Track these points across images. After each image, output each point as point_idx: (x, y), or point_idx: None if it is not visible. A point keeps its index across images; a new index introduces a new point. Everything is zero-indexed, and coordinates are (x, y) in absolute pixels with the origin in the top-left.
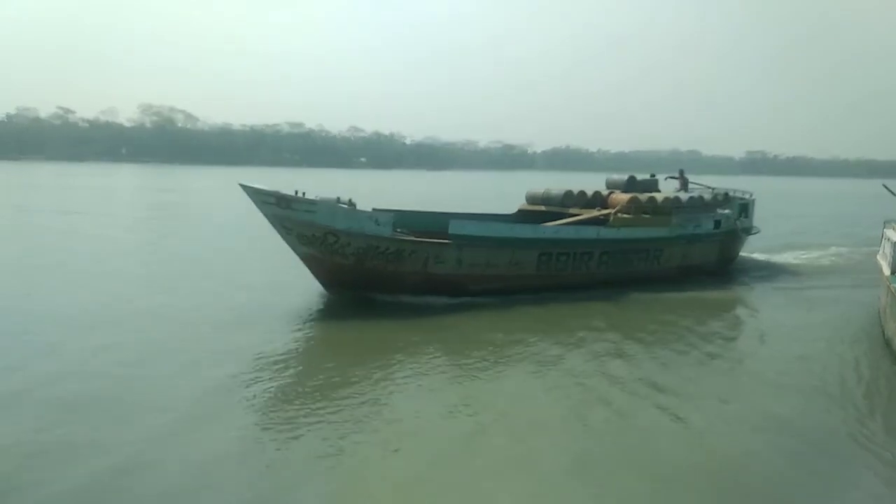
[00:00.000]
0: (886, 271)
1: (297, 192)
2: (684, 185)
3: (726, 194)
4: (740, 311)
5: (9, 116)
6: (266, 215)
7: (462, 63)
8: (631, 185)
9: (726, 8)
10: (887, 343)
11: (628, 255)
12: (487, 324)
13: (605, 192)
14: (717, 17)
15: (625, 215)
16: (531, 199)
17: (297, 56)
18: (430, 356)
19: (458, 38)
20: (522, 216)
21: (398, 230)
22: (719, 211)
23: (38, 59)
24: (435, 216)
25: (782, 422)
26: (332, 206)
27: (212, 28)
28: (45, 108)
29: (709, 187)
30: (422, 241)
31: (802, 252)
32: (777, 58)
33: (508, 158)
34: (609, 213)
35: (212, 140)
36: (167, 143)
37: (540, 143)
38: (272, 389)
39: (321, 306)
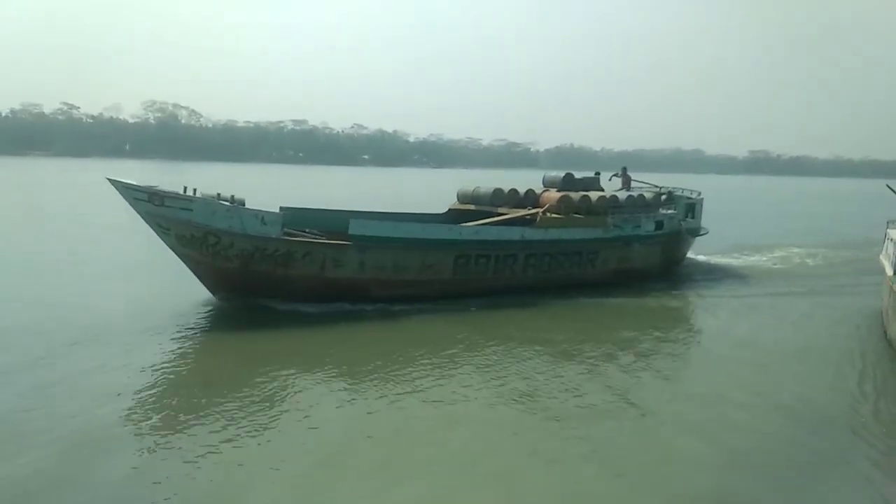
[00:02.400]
0: (889, 271)
1: (185, 189)
2: (626, 183)
3: (670, 193)
4: (691, 316)
5: (13, 112)
6: (140, 213)
7: (466, 62)
8: (568, 182)
9: (731, 8)
10: (890, 343)
11: (558, 258)
12: (387, 334)
13: (539, 190)
14: (722, 18)
15: (554, 215)
16: (462, 198)
17: (302, 54)
18: (327, 369)
19: (462, 38)
20: (453, 215)
21: (307, 230)
22: (662, 211)
23: (43, 56)
24: (343, 215)
25: (783, 424)
26: (211, 203)
27: (215, 26)
28: (50, 104)
29: (656, 186)
30: (316, 243)
31: (766, 254)
32: (782, 58)
33: (512, 156)
34: (536, 213)
35: (215, 137)
36: (171, 139)
37: (544, 142)
38: (139, 415)
39: (206, 315)
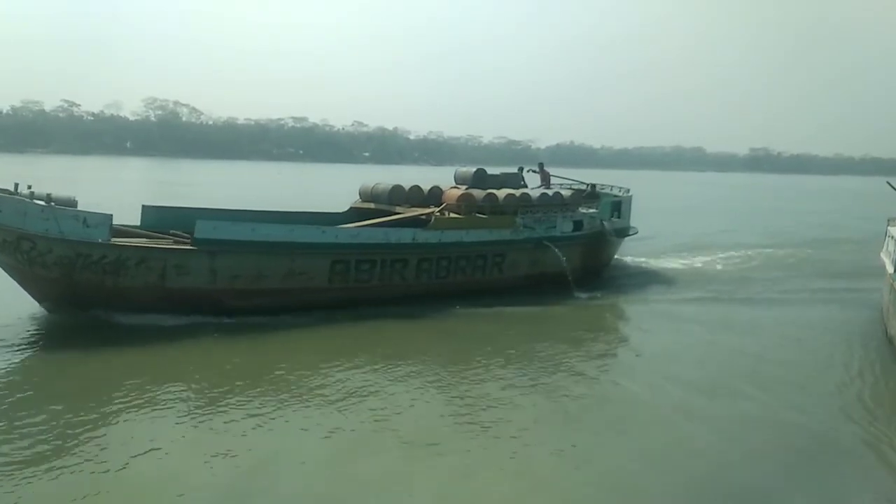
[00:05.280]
0: (890, 269)
1: (16, 186)
2: (545, 179)
3: (593, 191)
4: (623, 325)
5: (14, 109)
6: None
7: (467, 60)
8: (479, 179)
9: (731, 6)
10: (890, 341)
11: (458, 263)
12: (241, 350)
13: (448, 187)
14: (722, 16)
15: (453, 215)
16: (363, 195)
17: (302, 52)
18: (174, 391)
19: (463, 35)
20: (353, 214)
21: (171, 232)
22: (582, 210)
23: (42, 52)
24: (215, 214)
25: (784, 423)
26: (21, 203)
27: (216, 24)
28: (51, 102)
29: (582, 182)
30: (153, 248)
31: (733, 253)
32: (782, 55)
33: (512, 154)
34: (432, 213)
35: (216, 134)
36: (171, 137)
37: (544, 139)
38: None
39: (34, 329)
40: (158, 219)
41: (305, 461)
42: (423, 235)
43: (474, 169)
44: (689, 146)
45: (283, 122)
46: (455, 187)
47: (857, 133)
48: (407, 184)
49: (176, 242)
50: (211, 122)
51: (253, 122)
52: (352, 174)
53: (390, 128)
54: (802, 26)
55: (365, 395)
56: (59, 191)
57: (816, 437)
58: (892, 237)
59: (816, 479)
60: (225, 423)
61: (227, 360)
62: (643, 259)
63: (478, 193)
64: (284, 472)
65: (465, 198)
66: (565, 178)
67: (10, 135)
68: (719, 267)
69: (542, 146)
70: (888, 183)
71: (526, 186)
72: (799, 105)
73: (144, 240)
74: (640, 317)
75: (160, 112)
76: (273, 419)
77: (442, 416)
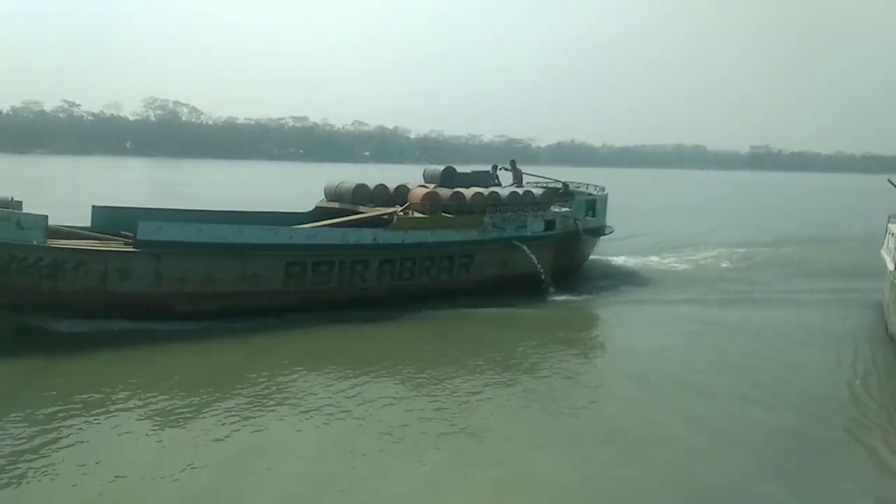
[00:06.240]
0: (890, 266)
1: None
2: (517, 177)
3: (566, 189)
4: (605, 328)
5: (14, 109)
6: None
7: (467, 59)
8: (448, 178)
9: (732, 5)
10: (891, 339)
11: (423, 264)
12: (186, 358)
13: (415, 185)
14: (723, 14)
15: (417, 214)
16: (328, 194)
17: (302, 52)
18: (129, 400)
19: (463, 35)
20: (318, 214)
21: (122, 233)
22: (554, 209)
23: (42, 53)
24: (169, 214)
25: (782, 424)
26: None
27: (215, 23)
28: (51, 102)
29: (557, 181)
30: (93, 251)
31: (715, 252)
32: (782, 55)
33: (513, 153)
34: (395, 212)
35: (216, 134)
36: (172, 136)
37: (545, 138)
38: None
39: None
40: (110, 219)
41: (291, 464)
42: (385, 236)
43: (443, 167)
44: (690, 144)
45: (283, 121)
46: (423, 186)
47: (858, 131)
48: (407, 182)
49: (126, 244)
50: (211, 122)
51: (253, 122)
52: (353, 173)
53: (391, 127)
54: (802, 26)
55: (350, 397)
56: (60, 191)
57: (815, 438)
58: (893, 234)
59: (815, 480)
60: (202, 427)
61: (203, 365)
62: (640, 259)
63: (444, 192)
64: (269, 475)
65: (429, 197)
66: (539, 177)
67: (10, 135)
68: (724, 265)
69: (543, 144)
70: (889, 181)
71: (499, 185)
72: (799, 104)
73: (91, 241)
74: (634, 317)
75: (160, 112)
76: (257, 421)
77: (434, 417)
